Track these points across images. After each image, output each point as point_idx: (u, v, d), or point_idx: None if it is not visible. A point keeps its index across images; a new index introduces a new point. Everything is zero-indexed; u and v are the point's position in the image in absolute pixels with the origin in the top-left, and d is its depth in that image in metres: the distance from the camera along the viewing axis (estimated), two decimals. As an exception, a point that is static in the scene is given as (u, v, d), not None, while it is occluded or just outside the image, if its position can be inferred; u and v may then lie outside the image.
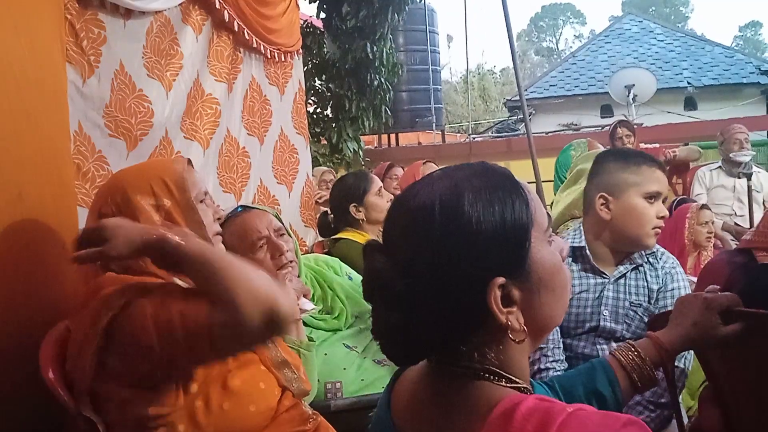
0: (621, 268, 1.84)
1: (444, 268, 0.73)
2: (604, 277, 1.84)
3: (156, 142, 2.14)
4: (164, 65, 2.22)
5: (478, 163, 0.81)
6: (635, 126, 4.98)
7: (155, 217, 1.34)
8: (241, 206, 1.95)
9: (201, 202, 1.43)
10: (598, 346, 1.82)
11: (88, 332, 1.21)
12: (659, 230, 1.79)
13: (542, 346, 1.78)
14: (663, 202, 1.87)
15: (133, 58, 2.08)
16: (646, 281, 1.83)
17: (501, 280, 0.72)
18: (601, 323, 1.81)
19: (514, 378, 0.76)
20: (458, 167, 0.81)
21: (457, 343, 0.76)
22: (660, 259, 1.87)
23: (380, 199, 2.65)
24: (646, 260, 1.86)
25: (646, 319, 1.79)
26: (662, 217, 1.79)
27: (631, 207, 1.77)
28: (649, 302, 1.82)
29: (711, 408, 1.26)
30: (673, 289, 1.83)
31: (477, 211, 0.74)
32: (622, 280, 1.84)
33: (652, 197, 1.78)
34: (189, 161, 1.48)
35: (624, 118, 4.81)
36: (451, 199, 0.75)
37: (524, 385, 0.77)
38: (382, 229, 0.84)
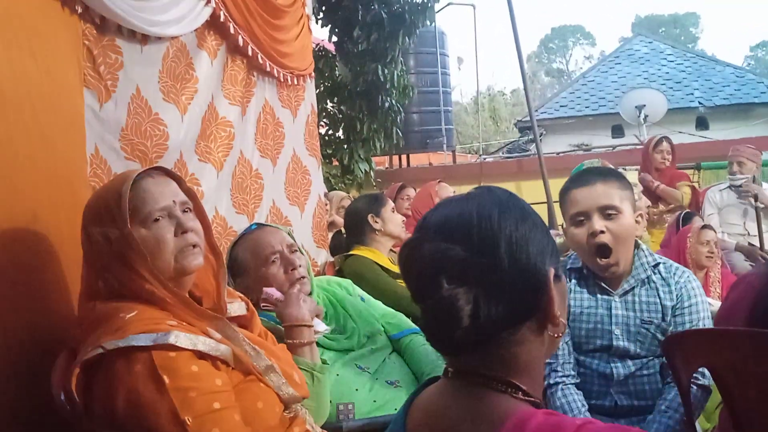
0: (625, 285, 1.82)
1: (512, 261, 0.80)
2: (611, 294, 1.82)
3: (171, 164, 2.17)
4: (180, 89, 2.26)
5: (481, 186, 0.90)
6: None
7: (106, 248, 1.32)
8: (256, 223, 1.99)
9: (167, 217, 1.36)
10: (612, 364, 1.80)
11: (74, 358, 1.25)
12: (601, 245, 1.76)
13: (551, 361, 1.79)
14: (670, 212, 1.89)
15: (149, 83, 2.12)
16: (659, 297, 1.81)
17: (552, 270, 0.82)
18: (614, 343, 1.80)
19: (528, 391, 0.79)
20: (479, 188, 0.90)
21: (497, 338, 0.80)
22: (674, 274, 1.84)
23: (394, 216, 2.76)
24: (654, 274, 1.83)
25: (660, 336, 1.78)
26: (596, 233, 1.75)
27: (569, 234, 1.82)
28: (663, 319, 1.79)
29: (730, 428, 1.24)
30: (690, 306, 1.80)
31: (531, 217, 0.84)
32: (631, 298, 1.82)
33: (577, 219, 1.79)
34: (153, 169, 1.42)
35: (666, 135, 4.77)
36: (510, 209, 0.84)
37: (537, 400, 0.78)
38: (399, 245, 0.95)
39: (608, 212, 1.75)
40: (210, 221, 1.56)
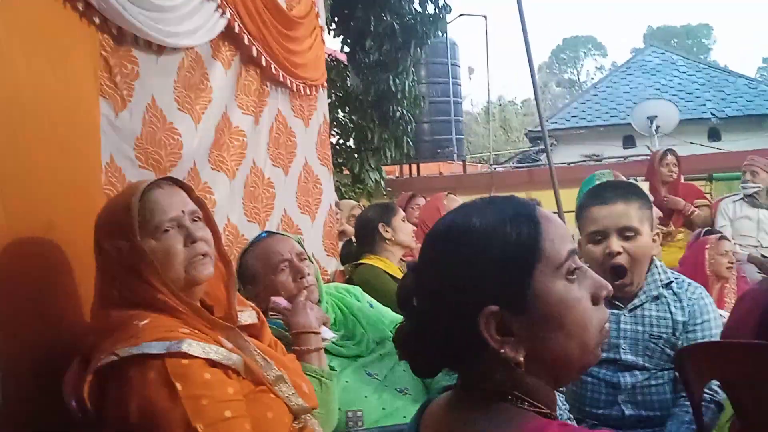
0: (635, 300, 1.80)
1: (445, 291, 0.79)
2: (619, 308, 1.80)
3: (184, 173, 2.19)
4: (194, 99, 2.28)
5: (504, 196, 0.84)
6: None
7: (117, 260, 1.33)
8: (266, 232, 2.01)
9: (176, 227, 1.37)
10: (620, 373, 1.79)
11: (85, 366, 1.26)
12: (618, 266, 1.73)
13: None
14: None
15: (164, 93, 2.15)
16: (670, 312, 1.79)
17: (493, 308, 0.76)
18: (622, 356, 1.78)
19: (536, 402, 0.78)
20: (486, 198, 0.85)
21: (470, 363, 0.80)
22: (686, 289, 1.81)
23: (406, 224, 2.76)
24: (666, 289, 1.81)
25: (668, 351, 1.76)
26: (613, 254, 1.73)
27: (585, 250, 1.79)
28: (673, 334, 1.77)
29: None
30: (703, 322, 1.78)
31: (478, 241, 0.78)
32: (640, 312, 1.80)
33: (595, 237, 1.75)
34: (162, 180, 1.43)
35: (671, 148, 4.75)
36: (458, 227, 0.81)
37: (548, 411, 0.78)
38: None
39: (627, 233, 1.72)
40: (220, 230, 1.57)
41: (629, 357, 1.78)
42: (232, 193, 2.48)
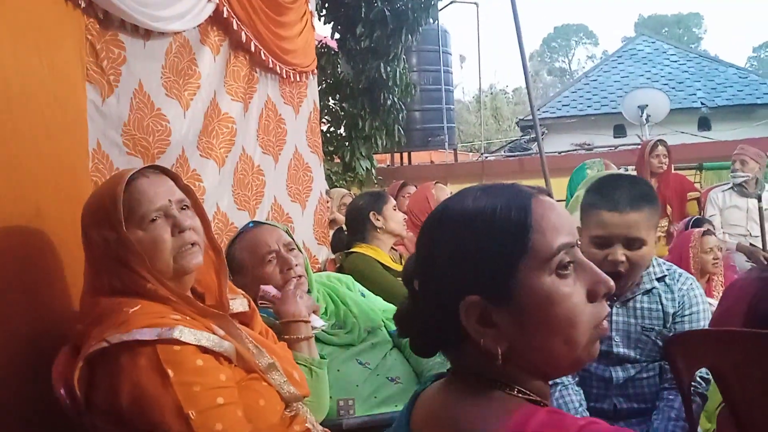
0: (627, 293, 1.78)
1: (432, 277, 0.80)
2: (611, 301, 1.76)
3: (173, 160, 2.17)
4: (182, 85, 2.25)
5: (505, 184, 0.83)
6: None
7: (104, 250, 1.32)
8: (253, 222, 1.98)
9: (163, 217, 1.35)
10: (611, 368, 1.79)
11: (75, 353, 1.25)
12: (617, 273, 1.66)
13: (557, 381, 1.74)
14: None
15: (151, 78, 2.12)
16: (661, 305, 1.78)
17: (474, 298, 0.75)
18: (614, 349, 1.77)
19: (526, 390, 0.77)
20: (487, 184, 0.84)
21: (457, 350, 0.80)
22: (677, 280, 1.80)
23: (396, 213, 2.76)
24: (659, 282, 1.79)
25: (660, 342, 1.76)
26: (616, 263, 1.65)
27: (584, 250, 1.69)
28: (664, 326, 1.77)
29: (729, 428, 1.24)
30: (692, 314, 1.77)
31: (465, 229, 0.77)
32: (632, 304, 1.79)
33: (598, 242, 1.68)
34: (148, 168, 1.41)
35: (662, 138, 4.72)
36: (449, 213, 0.81)
37: (538, 399, 0.78)
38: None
39: (633, 243, 1.67)
40: (209, 217, 1.55)
41: (621, 350, 1.77)
42: (221, 180, 2.47)
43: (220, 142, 2.45)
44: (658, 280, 1.80)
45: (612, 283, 0.79)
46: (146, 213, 1.33)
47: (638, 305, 1.79)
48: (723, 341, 1.24)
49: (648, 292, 1.79)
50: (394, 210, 2.78)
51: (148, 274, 1.30)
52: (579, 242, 0.81)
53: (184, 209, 1.39)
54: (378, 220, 2.72)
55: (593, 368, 1.80)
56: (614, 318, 1.78)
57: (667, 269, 1.83)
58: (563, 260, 0.76)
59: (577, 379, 1.81)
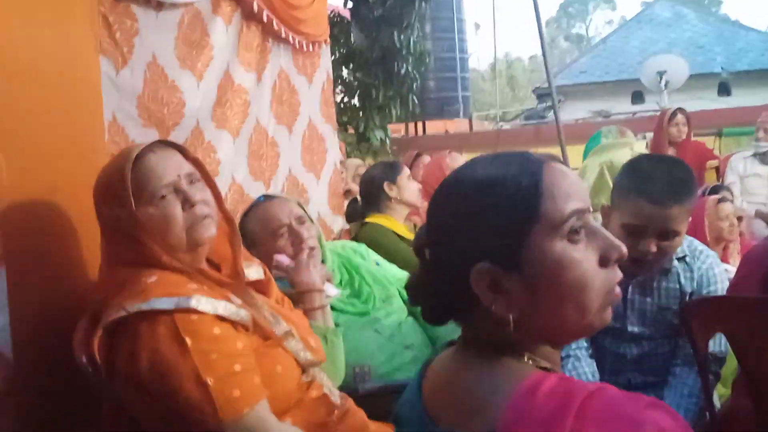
0: (648, 274, 1.73)
1: (443, 243, 0.81)
2: (629, 279, 1.72)
3: (188, 132, 2.17)
4: (195, 56, 2.24)
5: (517, 152, 0.82)
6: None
7: (116, 226, 1.33)
8: (264, 195, 1.99)
9: (173, 192, 1.35)
10: (625, 344, 1.77)
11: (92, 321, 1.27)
12: (646, 261, 1.63)
13: (570, 354, 1.73)
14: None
15: (165, 50, 2.11)
16: (679, 284, 1.73)
17: (485, 265, 0.75)
18: (629, 328, 1.75)
19: (537, 357, 0.78)
20: (498, 153, 0.84)
21: (468, 317, 0.81)
22: (698, 258, 1.74)
23: (410, 183, 2.76)
24: (678, 261, 1.73)
25: (675, 322, 1.72)
26: (647, 254, 1.60)
27: (612, 232, 1.65)
28: (680, 305, 1.72)
29: (744, 397, 1.25)
30: (708, 293, 1.72)
31: (475, 196, 0.78)
32: (649, 283, 1.74)
33: (630, 230, 1.60)
34: (155, 143, 1.40)
35: (681, 107, 4.63)
36: (461, 180, 0.81)
37: (548, 366, 0.78)
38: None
39: (668, 235, 1.61)
40: (224, 189, 1.56)
41: (636, 328, 1.75)
42: (236, 151, 2.47)
43: (234, 113, 2.45)
44: (679, 259, 1.74)
45: (624, 249, 0.78)
46: (155, 190, 1.33)
47: (655, 284, 1.74)
48: (739, 307, 1.24)
49: (666, 271, 1.74)
50: (409, 180, 2.77)
51: (162, 249, 1.32)
52: (591, 209, 0.80)
53: (194, 182, 1.39)
54: (392, 190, 2.72)
55: (607, 344, 1.79)
56: (630, 297, 1.75)
57: (689, 247, 1.76)
58: (574, 226, 0.76)
59: (591, 351, 1.80)
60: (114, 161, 1.39)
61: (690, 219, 1.65)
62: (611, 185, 2.59)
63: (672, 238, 1.61)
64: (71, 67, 1.68)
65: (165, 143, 1.43)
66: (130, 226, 1.30)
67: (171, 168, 1.36)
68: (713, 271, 1.74)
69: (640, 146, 2.68)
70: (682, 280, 1.72)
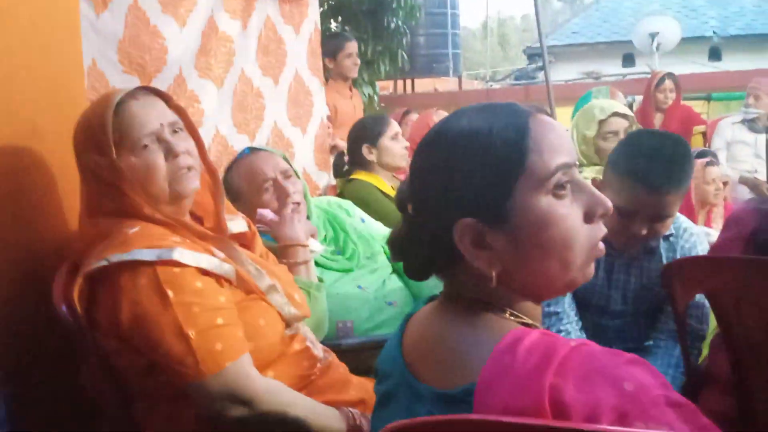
0: (633, 252, 1.71)
1: (426, 198, 0.79)
2: (613, 257, 1.70)
3: (170, 80, 2.12)
4: (178, 1, 2.17)
5: (503, 103, 0.80)
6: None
7: (97, 175, 1.30)
8: (249, 148, 1.95)
9: (156, 142, 1.31)
10: (607, 317, 1.78)
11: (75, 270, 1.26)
12: (635, 242, 1.63)
13: (558, 310, 1.73)
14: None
15: (146, -7, 2.04)
16: (662, 264, 1.71)
17: (469, 220, 0.74)
18: (612, 306, 1.76)
19: (519, 313, 0.78)
20: (483, 104, 0.81)
21: (451, 272, 0.80)
22: (681, 237, 1.73)
23: (395, 144, 2.69)
24: (664, 240, 1.72)
25: (659, 298, 1.72)
26: (638, 236, 1.59)
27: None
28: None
29: (721, 354, 1.27)
30: None
31: (460, 149, 0.76)
32: (634, 262, 1.73)
33: (625, 212, 1.56)
34: (138, 89, 1.36)
35: (671, 72, 4.60)
36: (445, 132, 0.79)
37: (530, 322, 0.78)
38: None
39: (661, 218, 1.59)
40: (208, 141, 1.52)
41: (619, 307, 1.76)
42: (220, 102, 2.41)
43: (219, 62, 2.38)
44: (664, 238, 1.73)
45: (610, 204, 0.78)
46: (138, 139, 1.29)
47: (639, 264, 1.73)
48: (720, 267, 1.25)
49: (651, 250, 1.72)
50: (393, 140, 2.70)
51: (144, 200, 1.29)
52: (577, 163, 0.79)
53: (177, 132, 1.36)
54: (371, 153, 2.65)
55: (589, 315, 1.79)
56: (614, 276, 1.74)
57: (674, 225, 1.74)
58: (560, 180, 0.75)
59: (580, 324, 1.79)
60: (94, 107, 1.35)
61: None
62: (574, 142, 2.61)
63: (664, 220, 1.59)
64: (49, 9, 1.62)
65: (148, 90, 1.39)
66: (110, 176, 1.27)
67: (154, 116, 1.32)
68: (696, 249, 1.72)
69: (602, 110, 2.61)
70: (665, 260, 1.71)
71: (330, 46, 3.98)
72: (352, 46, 4.11)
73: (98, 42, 1.87)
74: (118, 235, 1.25)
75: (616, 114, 2.70)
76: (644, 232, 1.57)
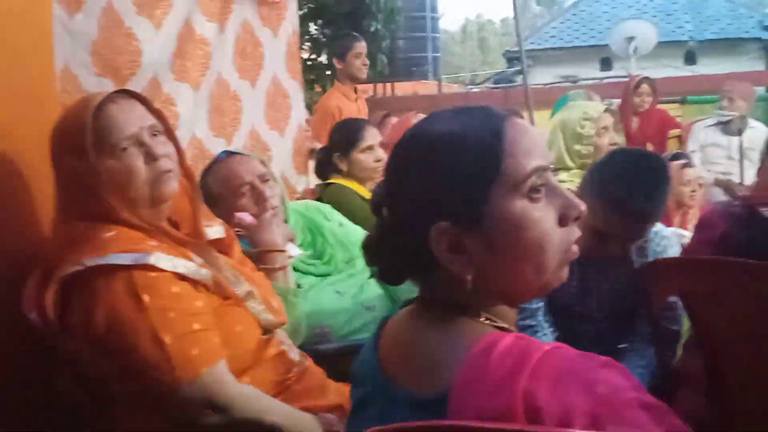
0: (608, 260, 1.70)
1: (402, 201, 0.78)
2: (587, 262, 1.64)
3: (145, 83, 2.09)
4: (154, 2, 2.15)
5: (478, 106, 0.80)
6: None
7: (75, 179, 1.29)
8: (226, 152, 1.94)
9: (135, 145, 1.30)
10: (583, 324, 1.78)
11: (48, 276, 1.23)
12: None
13: (533, 323, 1.73)
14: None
15: (121, -6, 2.02)
16: (636, 267, 1.72)
17: (445, 224, 0.74)
18: (587, 312, 1.76)
19: (493, 317, 0.78)
20: (459, 107, 0.81)
21: (426, 276, 0.80)
22: (653, 241, 1.73)
23: (366, 157, 2.62)
24: (637, 247, 1.72)
25: (633, 302, 1.72)
26: (612, 252, 1.63)
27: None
28: (636, 289, 1.72)
29: (695, 355, 1.28)
30: None
31: (436, 152, 0.75)
32: (606, 269, 1.73)
33: (601, 233, 1.57)
34: (117, 93, 1.35)
35: (648, 75, 4.65)
36: (420, 135, 0.78)
37: (505, 326, 0.78)
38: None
39: (636, 240, 1.63)
40: (183, 144, 1.52)
41: (594, 313, 1.76)
42: (196, 105, 2.39)
43: (195, 65, 2.36)
44: (642, 242, 1.72)
45: (583, 207, 0.78)
46: (117, 142, 1.28)
47: (613, 269, 1.73)
48: (694, 269, 1.26)
49: (624, 255, 1.72)
50: (368, 150, 2.61)
51: (122, 204, 1.28)
52: (552, 166, 0.79)
53: (156, 135, 1.35)
54: (342, 163, 2.60)
55: (564, 322, 1.79)
56: (588, 283, 1.74)
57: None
58: (535, 184, 0.75)
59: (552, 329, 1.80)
60: (73, 109, 1.34)
61: None
62: (562, 146, 2.62)
63: (639, 240, 1.62)
64: (20, 10, 1.59)
65: (127, 93, 1.38)
66: (88, 179, 1.26)
67: (133, 119, 1.32)
68: (667, 252, 1.73)
69: (593, 109, 2.66)
70: (637, 266, 1.71)
71: (338, 47, 3.94)
72: (361, 46, 4.03)
73: (71, 44, 1.84)
74: (94, 240, 1.23)
75: (607, 110, 2.75)
76: (618, 252, 1.60)
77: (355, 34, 4.61)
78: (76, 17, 1.86)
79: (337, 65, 3.94)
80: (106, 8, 1.96)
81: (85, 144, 1.25)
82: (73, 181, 1.29)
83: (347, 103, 4.04)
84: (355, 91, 4.19)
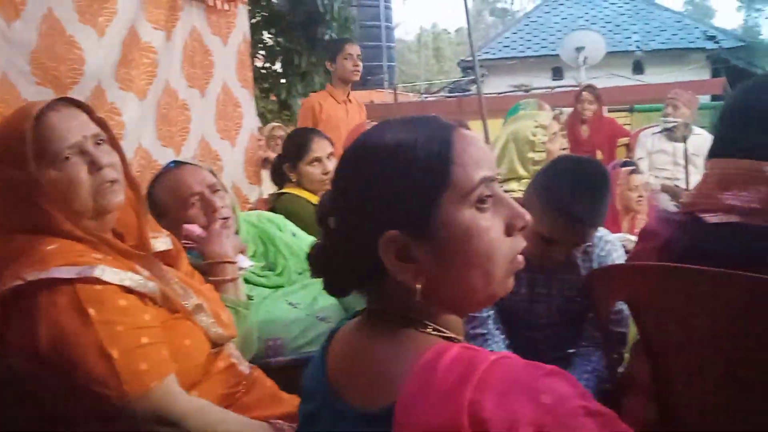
0: (552, 267, 1.72)
1: (349, 211, 0.77)
2: (534, 270, 1.68)
3: (88, 92, 2.04)
4: (96, 10, 2.10)
5: (426, 116, 0.80)
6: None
7: (14, 190, 1.23)
8: (173, 162, 1.88)
9: (78, 154, 1.26)
10: (532, 330, 1.79)
11: None
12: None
13: (484, 332, 1.73)
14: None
15: (62, 2, 1.96)
16: (582, 273, 1.73)
17: (393, 233, 0.74)
18: (537, 319, 1.77)
19: (441, 328, 0.77)
20: (407, 117, 0.81)
21: (374, 286, 0.79)
22: (597, 246, 1.75)
23: (313, 169, 2.59)
24: (582, 253, 1.74)
25: (581, 307, 1.73)
26: (557, 261, 1.66)
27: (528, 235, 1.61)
28: (584, 294, 1.73)
29: (642, 360, 1.30)
30: None
31: (385, 162, 0.75)
32: (555, 276, 1.74)
33: (545, 239, 1.59)
34: (59, 101, 1.29)
35: (591, 84, 4.78)
36: (368, 145, 0.78)
37: (452, 336, 0.77)
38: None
39: (580, 245, 1.64)
40: (130, 155, 1.47)
41: (543, 320, 1.77)
42: (142, 115, 2.33)
43: (141, 73, 2.31)
44: (587, 247, 1.74)
45: (529, 217, 0.79)
46: (59, 151, 1.23)
47: (559, 277, 1.75)
48: (639, 274, 1.28)
49: (569, 263, 1.73)
50: (316, 163, 2.57)
51: (64, 215, 1.23)
52: (498, 177, 0.79)
53: (100, 144, 1.31)
54: (292, 174, 2.59)
55: (516, 329, 1.79)
56: (536, 290, 1.75)
57: (593, 240, 1.75)
58: (483, 194, 0.75)
59: (504, 337, 1.79)
60: (11, 119, 1.28)
61: None
62: (514, 155, 2.66)
63: (583, 245, 1.65)
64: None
65: (69, 101, 1.32)
66: (28, 190, 1.21)
67: (76, 128, 1.26)
68: (611, 257, 1.75)
69: (544, 117, 2.72)
70: (583, 271, 1.73)
71: (330, 50, 3.94)
72: (352, 48, 4.01)
73: (9, 52, 1.79)
74: (35, 253, 1.18)
75: (554, 117, 2.84)
76: (562, 257, 1.62)
77: (348, 37, 4.59)
78: (14, 25, 1.80)
79: (329, 67, 3.94)
80: (46, 15, 1.90)
81: (25, 154, 1.19)
82: (13, 193, 1.23)
83: (332, 103, 4.01)
84: (347, 94, 4.15)
